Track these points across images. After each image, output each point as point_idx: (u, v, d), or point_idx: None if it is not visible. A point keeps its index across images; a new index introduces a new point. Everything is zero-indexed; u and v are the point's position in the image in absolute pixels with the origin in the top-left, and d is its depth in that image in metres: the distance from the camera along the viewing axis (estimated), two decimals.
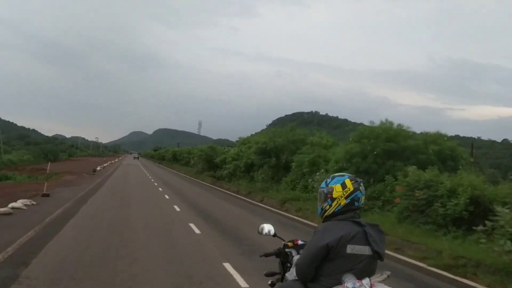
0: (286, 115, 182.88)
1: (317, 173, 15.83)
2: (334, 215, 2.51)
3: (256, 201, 18.82)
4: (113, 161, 70.22)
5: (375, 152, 12.60)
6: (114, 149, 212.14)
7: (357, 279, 2.29)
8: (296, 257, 2.82)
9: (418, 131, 14.24)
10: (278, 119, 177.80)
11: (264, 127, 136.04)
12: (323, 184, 2.59)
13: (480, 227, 7.86)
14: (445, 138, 13.09)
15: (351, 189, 2.47)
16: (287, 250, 3.00)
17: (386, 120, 14.03)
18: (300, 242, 3.01)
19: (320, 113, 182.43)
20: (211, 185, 29.17)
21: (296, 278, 2.57)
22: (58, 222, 10.42)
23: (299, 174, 18.37)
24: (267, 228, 3.17)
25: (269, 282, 3.08)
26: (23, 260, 6.55)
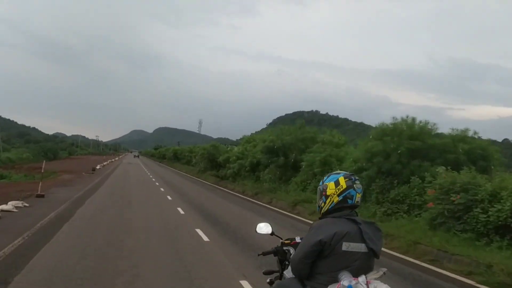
0: (286, 114, 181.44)
1: None
2: (329, 212, 2.52)
3: (264, 203, 17.75)
4: (113, 160, 69.54)
5: (399, 151, 11.41)
6: (114, 148, 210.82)
7: (353, 276, 2.27)
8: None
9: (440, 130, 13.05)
10: (278, 118, 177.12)
11: (265, 126, 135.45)
12: (321, 182, 2.61)
13: None
14: (476, 136, 11.94)
15: (344, 186, 2.47)
16: (285, 248, 2.98)
17: (407, 116, 12.86)
18: (298, 239, 2.99)
19: (321, 112, 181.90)
20: (214, 185, 28.15)
21: (294, 275, 2.57)
22: (50, 227, 9.36)
23: (310, 174, 17.34)
24: (265, 227, 3.20)
25: (268, 280, 3.08)
26: (3, 277, 5.48)
